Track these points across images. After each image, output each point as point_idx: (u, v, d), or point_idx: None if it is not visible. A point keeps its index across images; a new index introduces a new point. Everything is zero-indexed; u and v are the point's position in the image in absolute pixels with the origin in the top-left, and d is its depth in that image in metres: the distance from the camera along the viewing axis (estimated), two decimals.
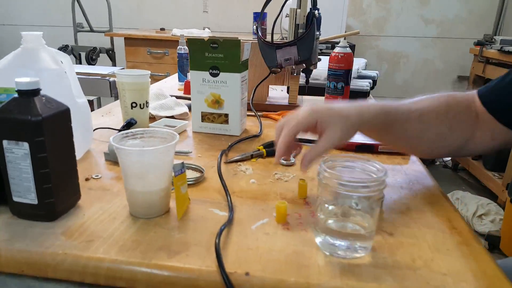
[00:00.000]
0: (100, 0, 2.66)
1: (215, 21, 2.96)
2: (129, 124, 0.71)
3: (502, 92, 0.55)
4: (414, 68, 2.87)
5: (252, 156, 0.66)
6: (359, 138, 0.79)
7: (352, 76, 1.26)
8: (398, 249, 0.41)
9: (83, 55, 2.62)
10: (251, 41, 0.91)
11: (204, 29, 2.78)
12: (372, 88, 1.31)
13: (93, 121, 0.82)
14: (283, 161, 0.65)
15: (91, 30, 2.67)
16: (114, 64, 2.73)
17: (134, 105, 0.77)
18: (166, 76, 2.57)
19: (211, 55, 0.74)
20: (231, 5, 2.91)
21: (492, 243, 1.71)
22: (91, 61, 2.57)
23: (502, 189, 1.97)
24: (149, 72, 0.79)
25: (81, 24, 2.82)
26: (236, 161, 0.65)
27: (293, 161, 0.65)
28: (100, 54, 2.66)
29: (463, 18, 2.72)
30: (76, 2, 2.58)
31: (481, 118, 0.56)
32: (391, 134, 0.53)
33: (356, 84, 1.19)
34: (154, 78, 2.62)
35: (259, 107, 0.97)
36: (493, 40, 2.45)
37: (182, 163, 0.46)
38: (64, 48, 2.56)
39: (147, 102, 0.79)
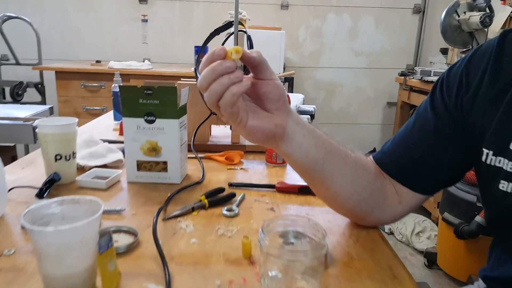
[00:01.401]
0: (28, 31, 2.47)
1: (155, 52, 2.90)
2: (51, 181, 0.64)
3: (395, 155, 0.57)
4: (348, 96, 3.08)
5: (193, 209, 0.62)
6: (301, 180, 0.80)
7: None
8: None
9: (7, 90, 2.39)
10: (189, 84, 0.89)
11: (144, 61, 2.71)
12: (310, 122, 1.36)
13: (10, 176, 0.72)
14: (226, 212, 0.62)
15: (17, 63, 2.46)
16: (43, 99, 2.52)
17: (58, 157, 0.69)
18: (103, 110, 2.43)
19: (146, 101, 0.70)
20: (171, 37, 2.90)
21: (430, 259, 1.81)
22: (16, 96, 2.35)
23: (434, 206, 2.13)
24: (77, 119, 0.72)
25: (6, 56, 2.60)
26: (176, 216, 0.60)
27: (236, 212, 0.62)
28: (28, 89, 2.44)
29: (388, 50, 3.00)
30: None
31: (385, 182, 0.57)
32: (322, 168, 0.52)
33: None
34: (90, 113, 2.46)
35: (201, 147, 0.94)
36: (414, 70, 2.72)
37: (109, 234, 0.41)
38: None
39: (74, 153, 0.72)
